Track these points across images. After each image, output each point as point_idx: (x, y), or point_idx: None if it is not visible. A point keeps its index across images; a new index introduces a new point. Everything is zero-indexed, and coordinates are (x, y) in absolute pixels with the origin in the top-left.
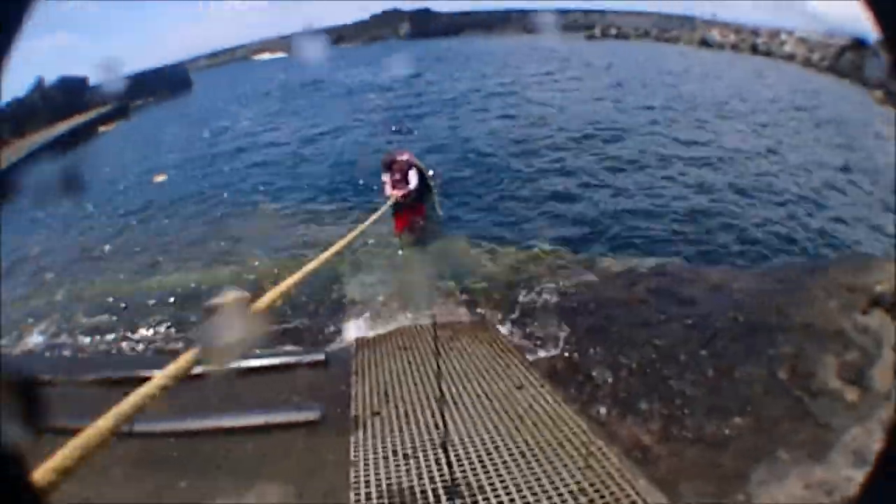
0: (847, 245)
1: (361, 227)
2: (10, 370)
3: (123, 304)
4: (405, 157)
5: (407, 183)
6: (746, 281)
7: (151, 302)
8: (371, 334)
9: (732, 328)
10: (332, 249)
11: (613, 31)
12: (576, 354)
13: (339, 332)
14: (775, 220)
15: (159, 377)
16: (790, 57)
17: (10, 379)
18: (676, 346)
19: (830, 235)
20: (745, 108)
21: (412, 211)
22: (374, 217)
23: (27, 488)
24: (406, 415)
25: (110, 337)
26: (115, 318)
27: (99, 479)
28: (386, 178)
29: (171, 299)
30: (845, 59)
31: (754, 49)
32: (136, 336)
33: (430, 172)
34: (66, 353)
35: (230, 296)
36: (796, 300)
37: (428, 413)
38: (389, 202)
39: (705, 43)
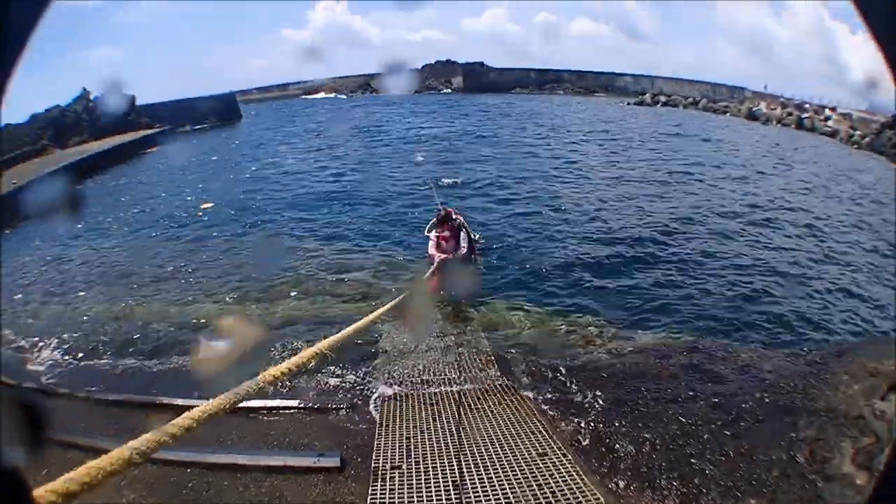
0: (882, 331)
1: (399, 298)
2: (21, 386)
3: (157, 329)
4: (455, 215)
5: (457, 243)
6: (777, 362)
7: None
8: (397, 390)
9: (758, 409)
10: (368, 318)
11: (663, 99)
12: (601, 425)
13: (367, 377)
14: (811, 303)
15: (184, 418)
16: (833, 133)
17: (12, 396)
18: (701, 424)
19: (864, 319)
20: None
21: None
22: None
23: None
24: (426, 472)
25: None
26: (143, 341)
27: (110, 499)
28: (433, 235)
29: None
30: (884, 137)
31: (799, 124)
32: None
33: (477, 236)
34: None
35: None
36: (822, 383)
37: (447, 473)
38: (434, 265)
39: (753, 116)
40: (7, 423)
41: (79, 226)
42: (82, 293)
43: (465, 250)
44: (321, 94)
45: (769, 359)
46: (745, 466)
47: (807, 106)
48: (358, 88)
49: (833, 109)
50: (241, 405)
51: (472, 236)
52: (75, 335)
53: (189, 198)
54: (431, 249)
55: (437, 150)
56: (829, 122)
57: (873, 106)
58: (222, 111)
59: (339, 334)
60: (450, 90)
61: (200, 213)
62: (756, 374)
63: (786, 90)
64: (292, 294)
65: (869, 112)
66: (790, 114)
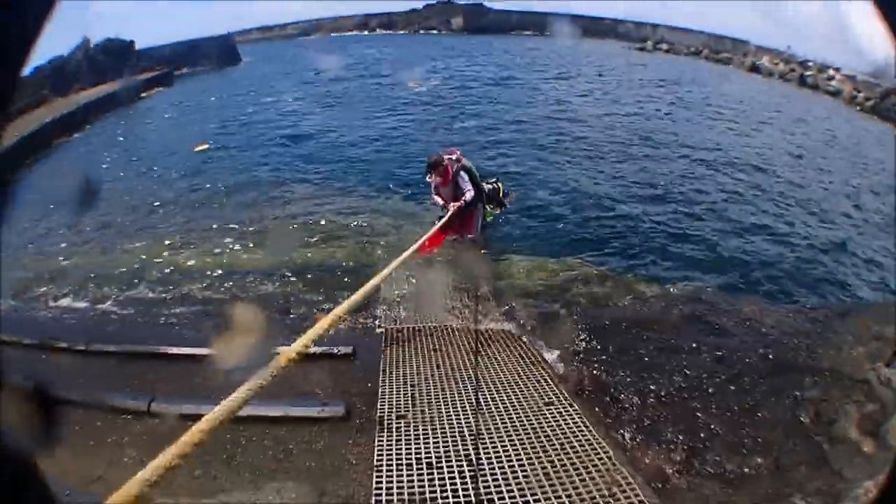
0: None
1: (410, 250)
2: (22, 342)
3: (157, 275)
4: (454, 156)
5: (456, 189)
6: (779, 317)
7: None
8: (401, 327)
9: (761, 365)
10: (376, 279)
11: (664, 47)
12: (605, 374)
13: (369, 321)
14: (816, 257)
15: (193, 432)
16: (836, 93)
17: (23, 387)
18: (705, 378)
19: (870, 281)
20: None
21: (459, 225)
22: (422, 239)
23: (37, 489)
24: (433, 420)
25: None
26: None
27: (113, 456)
28: (433, 180)
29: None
30: (889, 102)
31: (802, 81)
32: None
33: (496, 181)
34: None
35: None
36: (826, 343)
37: (455, 421)
38: (447, 216)
39: (755, 68)
40: (19, 411)
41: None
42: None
43: (468, 196)
44: (318, 35)
45: (771, 313)
46: (749, 423)
47: (810, 64)
48: (355, 27)
49: (837, 70)
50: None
51: (482, 184)
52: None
53: (185, 140)
54: (434, 196)
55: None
56: (833, 82)
57: (877, 70)
58: (221, 53)
59: (354, 296)
60: (450, 30)
61: (199, 149)
62: (758, 328)
63: (786, 47)
64: (290, 239)
65: (873, 76)
66: (793, 70)
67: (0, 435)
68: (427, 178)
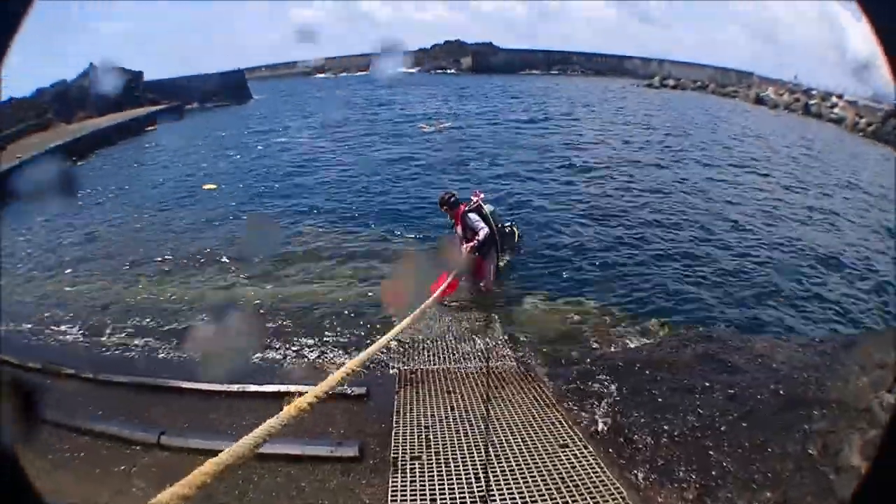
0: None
1: (428, 301)
2: (25, 366)
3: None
4: (474, 199)
5: (469, 230)
6: (789, 352)
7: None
8: (415, 368)
9: (772, 400)
10: (393, 332)
11: (671, 82)
12: (619, 415)
13: (382, 364)
14: (824, 289)
15: (197, 474)
16: (839, 120)
17: (6, 382)
18: (717, 416)
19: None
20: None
21: (473, 270)
22: (442, 286)
23: (22, 488)
24: (447, 463)
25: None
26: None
27: (120, 486)
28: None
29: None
30: (889, 125)
31: (806, 110)
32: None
33: (511, 225)
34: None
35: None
36: (833, 375)
37: (469, 464)
38: (461, 263)
39: (760, 101)
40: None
41: (75, 203)
42: (69, 271)
43: (481, 236)
44: (329, 74)
45: (782, 349)
46: (760, 459)
47: (814, 92)
48: (359, 68)
49: (840, 97)
50: (252, 390)
51: (495, 223)
52: (70, 313)
53: (191, 177)
54: (457, 230)
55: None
56: (836, 109)
57: (877, 94)
58: (231, 89)
59: (369, 349)
60: (460, 70)
61: (207, 189)
62: (770, 364)
63: (793, 76)
64: (295, 276)
65: (874, 100)
66: (797, 100)
67: None
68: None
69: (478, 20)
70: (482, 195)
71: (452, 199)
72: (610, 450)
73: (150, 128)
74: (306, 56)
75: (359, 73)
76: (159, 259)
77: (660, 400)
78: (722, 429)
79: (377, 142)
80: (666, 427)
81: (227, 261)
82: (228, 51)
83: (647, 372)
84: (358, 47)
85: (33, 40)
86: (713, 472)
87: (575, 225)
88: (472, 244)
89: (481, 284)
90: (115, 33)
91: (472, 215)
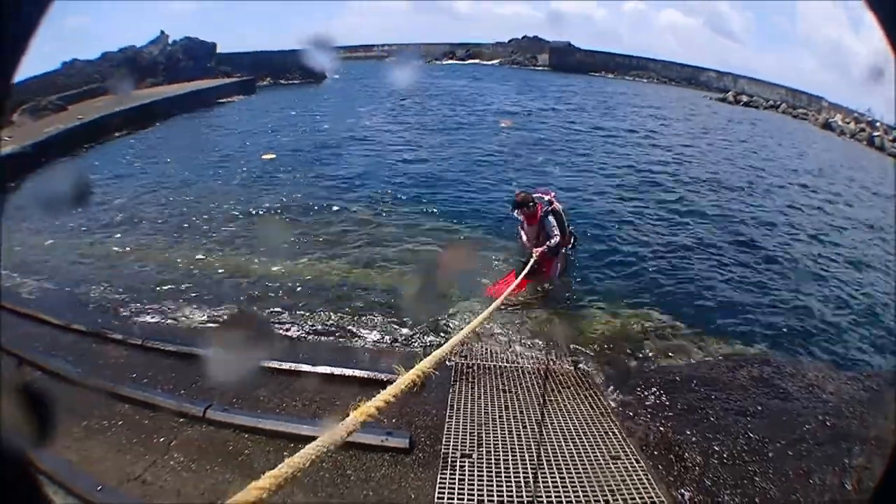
0: None
1: (497, 302)
2: (71, 327)
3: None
4: (546, 197)
5: (544, 231)
6: (840, 383)
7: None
8: (471, 363)
9: (819, 432)
10: (464, 331)
11: (745, 98)
12: (671, 432)
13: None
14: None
15: (299, 456)
16: None
17: (15, 384)
18: (766, 442)
19: None
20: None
21: (538, 270)
22: (508, 290)
23: (29, 484)
24: (497, 463)
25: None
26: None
27: (157, 458)
28: (520, 216)
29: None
30: None
31: (871, 141)
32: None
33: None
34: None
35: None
36: (876, 410)
37: (521, 467)
38: (531, 261)
39: (828, 126)
40: (14, 409)
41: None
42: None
43: (554, 241)
44: (404, 59)
45: (833, 380)
46: (801, 489)
47: (878, 124)
48: (443, 56)
49: None
50: (305, 370)
51: (568, 227)
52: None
53: (256, 147)
54: (520, 231)
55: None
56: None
57: None
58: (307, 68)
59: (440, 349)
60: (535, 66)
61: (266, 158)
62: (819, 394)
63: (867, 109)
64: (355, 259)
65: None
66: (863, 130)
67: None
68: (514, 213)
69: (556, 20)
70: (553, 194)
71: (532, 202)
72: (660, 466)
73: (224, 100)
74: (389, 40)
75: (437, 63)
76: (212, 233)
77: (713, 419)
78: (770, 455)
79: (449, 132)
80: (717, 448)
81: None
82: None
83: (703, 389)
84: (439, 37)
85: (98, 7)
86: (756, 499)
87: (647, 233)
88: (542, 249)
89: (546, 284)
90: (188, 10)
91: (551, 219)
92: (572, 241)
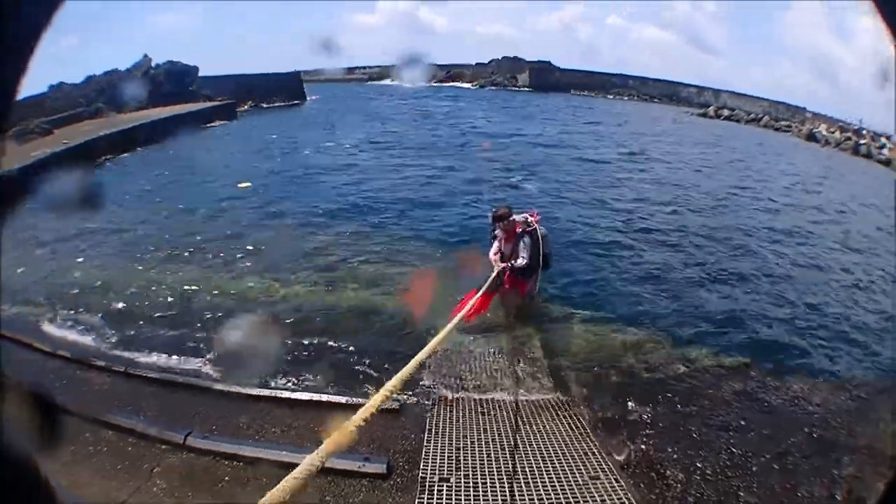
0: None
1: (457, 318)
2: (55, 353)
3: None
4: (531, 218)
5: (514, 251)
6: (825, 394)
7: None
8: (449, 395)
9: (805, 444)
10: (426, 350)
11: (726, 113)
12: (653, 449)
13: (416, 380)
14: (864, 332)
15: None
16: (887, 161)
17: (25, 390)
18: (750, 456)
19: None
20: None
21: (511, 289)
22: (466, 307)
23: (40, 492)
24: (475, 487)
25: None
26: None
27: (141, 484)
28: (497, 234)
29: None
30: None
31: (856, 150)
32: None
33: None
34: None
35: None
36: (864, 420)
37: (498, 489)
38: (492, 277)
39: (812, 137)
40: (21, 412)
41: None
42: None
43: (521, 262)
44: (387, 81)
45: (818, 391)
46: (789, 502)
47: (864, 132)
48: (425, 77)
49: (888, 138)
50: (284, 396)
51: (544, 244)
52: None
53: (232, 176)
54: (492, 253)
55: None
56: (884, 150)
57: None
58: (286, 91)
59: (404, 369)
60: (516, 86)
61: (241, 186)
62: (805, 406)
63: (848, 115)
64: (325, 282)
65: None
66: (848, 139)
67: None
68: (493, 228)
69: (537, 38)
70: (537, 216)
71: (510, 218)
72: (641, 484)
73: (206, 125)
74: (368, 63)
75: (420, 85)
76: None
77: (695, 435)
78: (754, 469)
79: (426, 154)
80: (699, 464)
81: (259, 264)
82: (285, 52)
83: (685, 405)
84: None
85: (85, 28)
86: None
87: (623, 248)
88: (503, 266)
89: (518, 302)
90: (172, 27)
91: (526, 239)
92: (543, 263)
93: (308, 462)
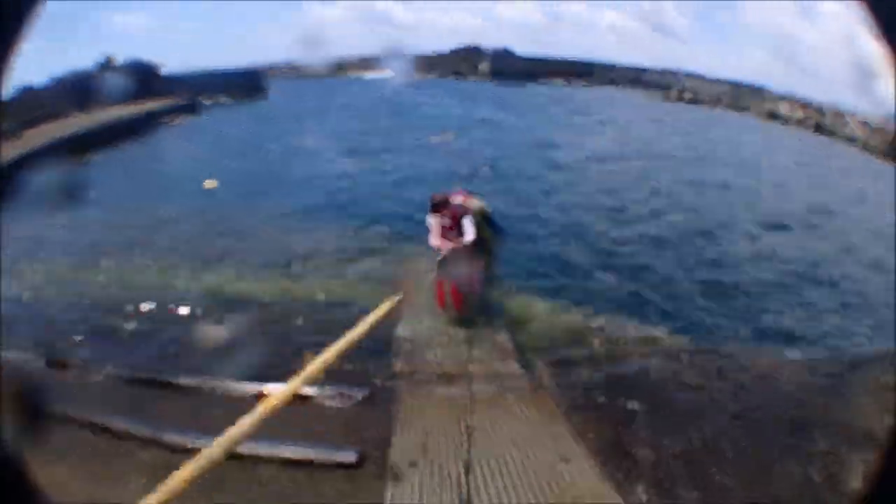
0: None
1: (394, 299)
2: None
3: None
4: (461, 198)
5: (460, 234)
6: (795, 372)
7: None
8: (419, 377)
9: (777, 422)
10: (361, 327)
11: (688, 96)
12: (623, 431)
13: (385, 367)
14: (830, 307)
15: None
16: (851, 139)
17: (13, 384)
18: (722, 436)
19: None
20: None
21: (465, 277)
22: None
23: (27, 488)
24: (440, 472)
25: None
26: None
27: (117, 482)
28: (433, 221)
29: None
30: None
31: (818, 127)
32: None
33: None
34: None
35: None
36: (837, 397)
37: (462, 474)
38: (437, 258)
39: (773, 115)
40: (6, 406)
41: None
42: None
43: (468, 238)
44: (364, 73)
45: (788, 368)
46: (763, 480)
47: (826, 110)
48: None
49: (853, 116)
50: (255, 391)
51: (489, 219)
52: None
53: (197, 173)
54: (433, 240)
55: None
56: (848, 128)
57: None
58: (248, 86)
59: (340, 342)
60: (476, 76)
61: (208, 186)
62: (776, 384)
63: (811, 94)
64: (288, 275)
65: (886, 119)
66: (810, 117)
67: None
68: (429, 220)
69: (497, 26)
70: (465, 194)
71: (447, 200)
72: (611, 465)
73: (169, 121)
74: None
75: (378, 75)
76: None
77: (666, 418)
78: (726, 449)
79: (391, 149)
80: (669, 445)
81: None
82: (245, 48)
83: (655, 387)
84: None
85: (47, 28)
86: (714, 494)
87: (588, 230)
88: (453, 245)
89: (471, 295)
90: (133, 25)
91: (466, 220)
92: (494, 238)
93: (242, 426)
